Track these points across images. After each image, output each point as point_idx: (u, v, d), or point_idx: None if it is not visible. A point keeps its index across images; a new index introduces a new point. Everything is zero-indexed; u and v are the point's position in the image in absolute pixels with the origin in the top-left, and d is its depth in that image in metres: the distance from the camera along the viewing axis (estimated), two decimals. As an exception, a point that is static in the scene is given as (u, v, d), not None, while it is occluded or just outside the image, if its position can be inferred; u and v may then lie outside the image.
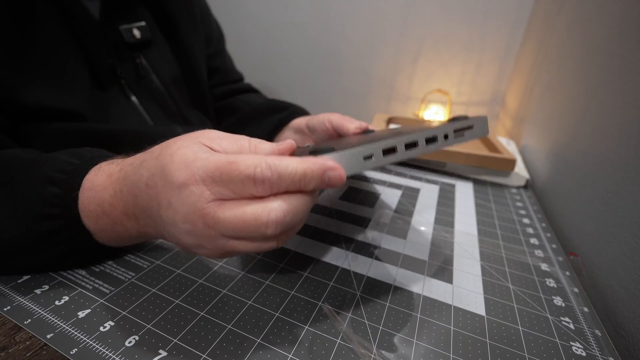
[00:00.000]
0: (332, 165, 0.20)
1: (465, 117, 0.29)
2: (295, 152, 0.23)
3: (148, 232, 0.24)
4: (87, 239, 0.25)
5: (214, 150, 0.21)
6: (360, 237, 0.35)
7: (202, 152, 0.20)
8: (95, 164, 0.25)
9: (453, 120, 0.29)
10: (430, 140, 0.24)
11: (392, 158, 0.22)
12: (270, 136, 0.50)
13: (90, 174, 0.24)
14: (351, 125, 0.38)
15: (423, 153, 0.24)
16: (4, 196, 0.24)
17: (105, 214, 0.23)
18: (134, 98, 0.46)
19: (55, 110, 0.36)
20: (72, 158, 0.25)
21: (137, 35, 0.45)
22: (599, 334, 0.25)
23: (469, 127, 0.26)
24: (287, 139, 0.46)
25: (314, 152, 0.21)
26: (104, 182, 0.23)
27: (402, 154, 0.23)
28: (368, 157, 0.21)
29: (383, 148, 0.21)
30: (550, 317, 0.27)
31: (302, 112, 0.53)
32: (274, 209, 0.18)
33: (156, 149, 0.22)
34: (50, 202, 0.23)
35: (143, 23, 0.46)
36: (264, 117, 0.53)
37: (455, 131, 0.25)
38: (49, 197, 0.23)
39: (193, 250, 0.21)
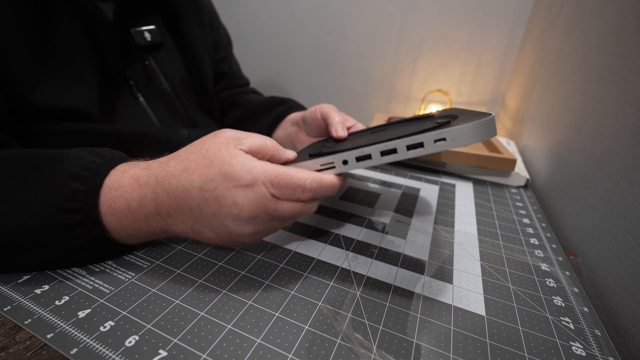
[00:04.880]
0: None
1: (453, 116, 0.28)
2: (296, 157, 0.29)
3: (171, 230, 0.27)
4: (102, 235, 0.25)
5: (248, 149, 0.26)
6: (360, 237, 0.35)
7: (255, 161, 0.25)
8: (116, 165, 0.26)
9: (436, 117, 0.29)
10: (412, 147, 0.24)
11: (370, 163, 0.26)
12: (269, 129, 0.52)
13: (114, 175, 0.26)
14: (336, 117, 0.38)
15: (403, 158, 0.25)
16: (22, 190, 0.24)
17: (131, 211, 0.25)
18: (141, 99, 0.46)
19: (63, 110, 0.36)
20: (95, 157, 0.26)
21: (147, 38, 0.45)
22: (599, 334, 0.25)
23: (442, 139, 0.23)
24: (285, 131, 0.50)
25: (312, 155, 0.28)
26: (132, 184, 0.25)
27: (377, 160, 0.25)
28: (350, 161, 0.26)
29: (357, 154, 0.26)
30: (550, 317, 0.27)
31: (299, 107, 0.55)
32: (315, 202, 0.28)
33: (198, 156, 0.25)
34: (73, 197, 0.24)
35: (154, 27, 0.46)
36: (264, 112, 0.55)
37: (436, 140, 0.23)
38: (72, 192, 0.24)
39: (241, 237, 0.26)
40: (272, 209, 0.25)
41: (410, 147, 0.24)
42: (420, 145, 0.24)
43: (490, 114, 0.23)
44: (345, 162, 0.26)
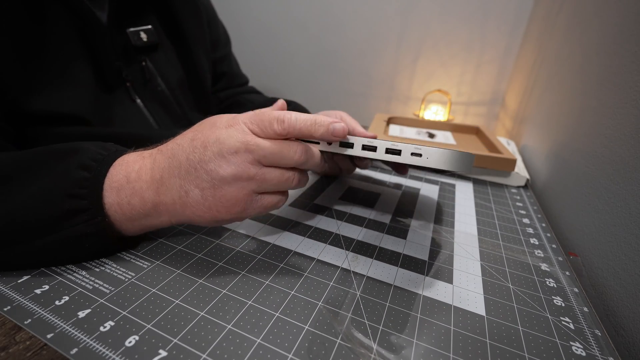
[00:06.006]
0: (337, 120, 0.27)
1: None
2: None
3: (162, 201, 0.26)
4: (104, 223, 0.26)
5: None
6: (360, 237, 0.35)
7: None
8: (121, 156, 0.28)
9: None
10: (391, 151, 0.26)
11: (350, 151, 0.27)
12: None
13: (123, 156, 0.28)
14: (358, 130, 0.39)
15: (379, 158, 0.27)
16: (36, 181, 0.25)
17: (129, 182, 0.26)
18: (139, 101, 0.46)
19: (59, 115, 0.36)
20: (101, 149, 0.27)
21: (144, 38, 0.45)
22: (599, 334, 0.25)
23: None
24: None
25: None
26: (135, 158, 0.27)
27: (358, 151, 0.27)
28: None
29: (363, 144, 0.27)
30: (550, 317, 0.27)
31: (302, 110, 0.54)
32: (299, 145, 0.27)
33: (195, 125, 0.28)
34: (80, 184, 0.25)
35: (150, 27, 0.46)
36: None
37: (413, 154, 0.25)
38: (79, 180, 0.25)
39: (225, 190, 0.26)
40: (253, 143, 0.25)
41: (388, 151, 0.26)
42: (398, 152, 0.25)
43: (472, 154, 0.26)
44: (329, 142, 0.27)
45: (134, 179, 0.26)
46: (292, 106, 0.54)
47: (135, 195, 0.26)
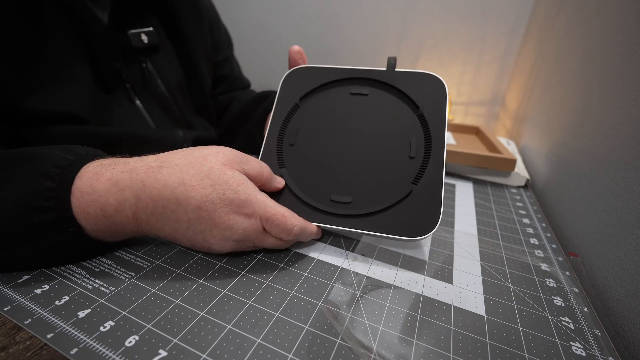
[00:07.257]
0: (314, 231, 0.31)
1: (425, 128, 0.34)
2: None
3: (145, 233, 0.27)
4: (79, 233, 0.25)
5: (247, 174, 0.28)
6: (360, 237, 0.35)
7: (259, 193, 0.27)
8: (89, 161, 0.26)
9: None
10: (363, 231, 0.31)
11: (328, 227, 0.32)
12: (261, 124, 0.52)
13: (87, 177, 0.25)
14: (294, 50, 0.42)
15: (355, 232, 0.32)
16: None
17: (107, 217, 0.25)
18: (138, 102, 0.46)
19: (56, 114, 0.36)
20: (67, 154, 0.25)
21: (144, 40, 0.45)
22: (599, 334, 0.25)
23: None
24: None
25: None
26: (109, 188, 0.24)
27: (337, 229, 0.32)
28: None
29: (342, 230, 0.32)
30: (550, 317, 0.27)
31: None
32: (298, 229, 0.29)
33: (199, 173, 0.25)
34: (44, 196, 0.23)
35: (151, 29, 0.46)
36: (255, 107, 0.56)
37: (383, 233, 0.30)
38: (43, 191, 0.23)
39: (213, 250, 0.28)
40: (259, 240, 0.28)
41: (368, 235, 0.31)
42: (375, 236, 0.30)
43: (436, 223, 0.29)
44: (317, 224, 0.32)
45: (112, 213, 0.25)
46: (273, 97, 0.54)
47: (116, 226, 0.26)
